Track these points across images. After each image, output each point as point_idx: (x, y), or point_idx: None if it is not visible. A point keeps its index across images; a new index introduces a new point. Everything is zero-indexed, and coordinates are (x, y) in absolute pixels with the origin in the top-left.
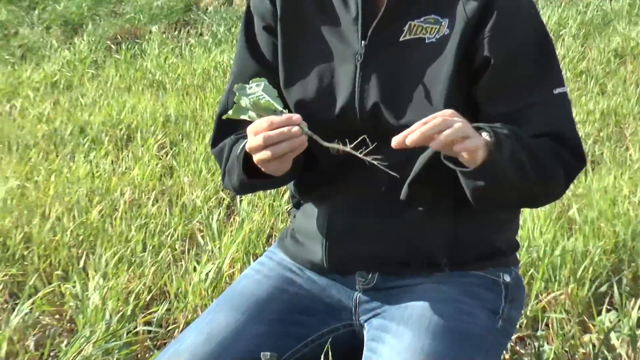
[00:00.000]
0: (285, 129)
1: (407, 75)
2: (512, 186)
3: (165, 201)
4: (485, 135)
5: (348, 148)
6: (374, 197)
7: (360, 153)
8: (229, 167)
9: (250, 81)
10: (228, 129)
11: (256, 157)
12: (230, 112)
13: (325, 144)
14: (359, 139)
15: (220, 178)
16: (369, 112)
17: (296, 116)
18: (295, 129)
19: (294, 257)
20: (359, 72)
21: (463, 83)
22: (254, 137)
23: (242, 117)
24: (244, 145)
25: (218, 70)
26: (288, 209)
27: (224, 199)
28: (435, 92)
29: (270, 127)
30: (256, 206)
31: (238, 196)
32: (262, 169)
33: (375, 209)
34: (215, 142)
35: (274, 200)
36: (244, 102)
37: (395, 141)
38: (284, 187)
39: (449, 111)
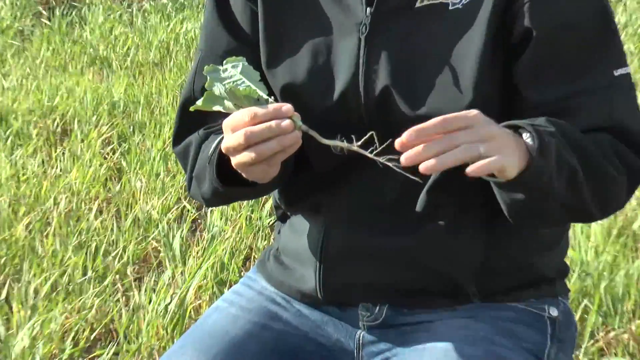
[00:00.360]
0: (273, 123)
1: (426, 52)
2: (559, 198)
3: (112, 213)
4: (526, 137)
5: (355, 147)
6: (382, 209)
7: (371, 152)
8: (197, 171)
9: (225, 61)
10: (195, 121)
11: (235, 160)
12: (199, 102)
13: (325, 141)
14: (367, 135)
15: (185, 184)
16: (377, 99)
17: (287, 106)
18: (286, 122)
19: (278, 285)
20: (363, 47)
21: (498, 63)
22: (232, 135)
23: (215, 108)
24: (219, 144)
25: (180, 44)
26: (271, 223)
27: (188, 211)
28: (462, 73)
29: (254, 121)
30: (230, 219)
31: (207, 207)
32: (243, 175)
33: (384, 223)
34: (178, 138)
35: (252, 212)
36: (217, 89)
37: (397, 143)
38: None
39: (473, 112)
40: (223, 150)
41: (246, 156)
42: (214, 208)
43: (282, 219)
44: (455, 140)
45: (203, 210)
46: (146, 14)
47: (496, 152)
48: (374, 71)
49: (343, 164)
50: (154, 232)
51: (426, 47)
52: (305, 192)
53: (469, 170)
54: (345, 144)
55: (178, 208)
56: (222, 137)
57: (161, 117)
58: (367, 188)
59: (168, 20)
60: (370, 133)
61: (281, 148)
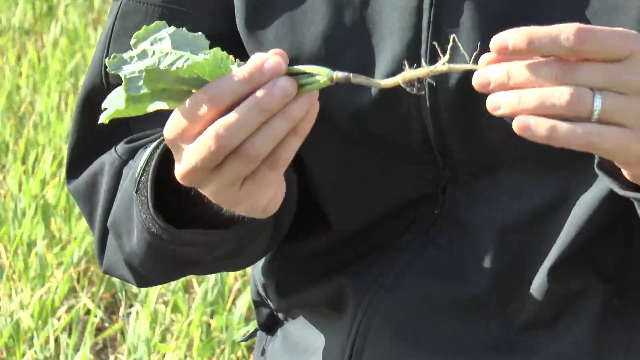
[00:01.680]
0: (260, 92)
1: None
2: None
3: None
4: None
5: (441, 66)
6: (460, 304)
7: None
8: (116, 214)
9: (133, 37)
10: (108, 131)
11: (211, 185)
12: (112, 106)
13: (386, 82)
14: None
15: (94, 248)
16: (455, 89)
17: (275, 56)
18: (285, 82)
19: None
20: None
21: None
22: (190, 147)
23: (150, 108)
24: (153, 152)
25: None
26: (247, 337)
27: (89, 312)
28: (621, 8)
29: (221, 105)
30: (169, 329)
31: (139, 286)
32: (222, 206)
33: (462, 333)
34: (76, 164)
35: (212, 314)
36: (143, 80)
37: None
38: (231, 275)
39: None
40: (180, 179)
41: (228, 170)
42: (144, 300)
43: (270, 327)
44: (589, 79)
45: (120, 311)
46: None
47: None
48: (449, 38)
49: (385, 217)
50: (24, 353)
51: None
52: (315, 273)
53: (600, 144)
54: (424, 71)
55: (72, 307)
56: (160, 143)
57: (39, 133)
58: (430, 263)
59: None
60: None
61: (293, 123)
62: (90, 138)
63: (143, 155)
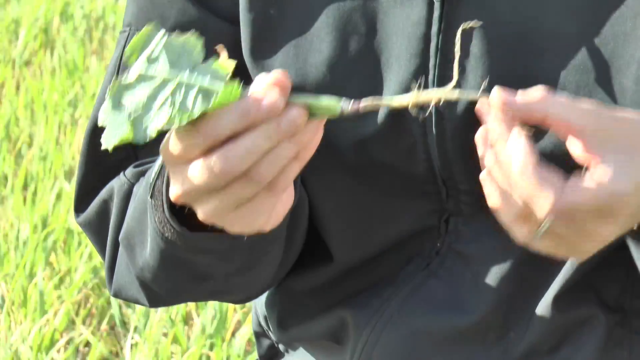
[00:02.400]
0: (282, 117)
1: (555, 30)
2: None
3: None
4: None
5: (451, 92)
6: (463, 337)
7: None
8: (128, 229)
9: (126, 50)
10: (115, 160)
11: (207, 207)
12: (115, 134)
13: (398, 99)
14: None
15: (104, 274)
16: (463, 118)
17: (274, 92)
18: (295, 114)
19: None
20: (438, 20)
21: None
22: (190, 169)
23: (150, 132)
24: (159, 174)
25: (72, 22)
26: None
27: (88, 343)
28: (620, 73)
29: (227, 129)
30: None
31: (151, 306)
32: (219, 225)
33: (466, 355)
34: (84, 196)
35: (211, 347)
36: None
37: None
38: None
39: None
40: (175, 199)
41: (236, 191)
42: (143, 332)
43: (271, 358)
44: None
45: (120, 343)
46: None
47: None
48: (459, 64)
49: (387, 250)
50: None
51: (558, 20)
52: (317, 306)
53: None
54: (435, 93)
55: (72, 340)
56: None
57: (37, 164)
58: (430, 294)
59: None
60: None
61: (297, 150)
62: (99, 171)
63: (157, 161)
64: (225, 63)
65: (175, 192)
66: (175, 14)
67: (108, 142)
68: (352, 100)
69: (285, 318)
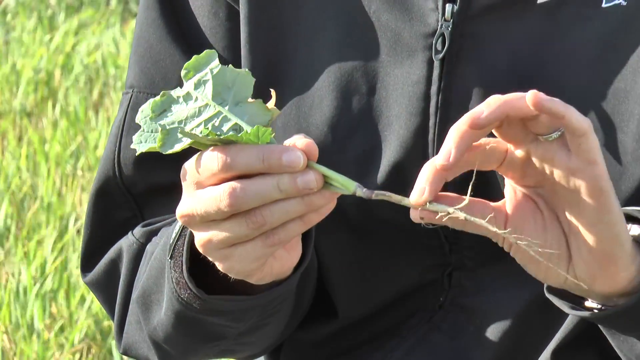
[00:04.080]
0: (285, 178)
1: (559, 86)
2: None
3: None
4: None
5: (460, 213)
6: None
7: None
8: (144, 289)
9: (186, 66)
10: (122, 216)
11: (208, 235)
12: (142, 142)
13: (409, 201)
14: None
15: (114, 330)
16: (465, 178)
17: (297, 152)
18: (311, 177)
19: None
20: (438, 79)
21: None
22: (203, 191)
23: (177, 146)
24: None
25: (74, 74)
26: None
27: None
28: (623, 125)
29: (245, 168)
30: None
31: None
32: (219, 267)
33: None
34: (91, 255)
35: None
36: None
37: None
38: None
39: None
40: (179, 217)
41: (234, 226)
42: None
43: None
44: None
45: None
46: (8, 18)
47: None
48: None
49: (391, 304)
50: None
51: (558, 78)
52: (320, 356)
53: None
54: (443, 208)
55: None
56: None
57: (40, 216)
58: (433, 347)
59: (50, 30)
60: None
61: (306, 210)
62: (105, 230)
63: (178, 222)
64: (271, 107)
65: (180, 209)
66: (179, 75)
67: (138, 146)
68: (366, 188)
69: None
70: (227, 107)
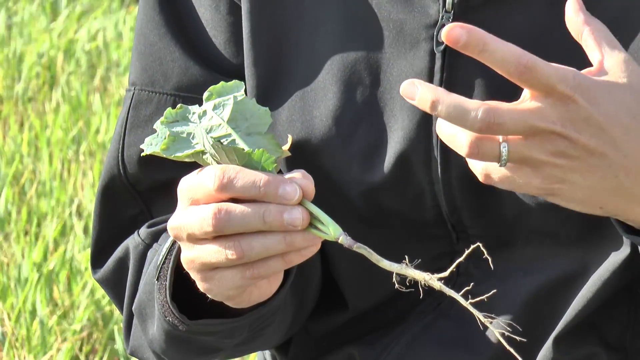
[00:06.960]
0: (271, 208)
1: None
2: None
3: None
4: None
5: (435, 281)
6: None
7: (465, 297)
8: (140, 300)
9: (211, 89)
10: (129, 214)
11: (192, 254)
12: (152, 144)
13: (385, 263)
14: (461, 258)
15: (122, 327)
16: (469, 171)
17: (293, 186)
18: (298, 215)
19: None
20: (439, 70)
21: None
22: (193, 209)
23: (179, 154)
24: (176, 244)
25: (76, 59)
26: None
27: None
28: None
29: (236, 193)
30: None
31: None
32: (201, 284)
33: None
34: (100, 252)
35: None
36: (193, 130)
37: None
38: None
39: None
40: (169, 229)
41: (215, 252)
42: None
43: None
44: None
45: None
46: (10, 3)
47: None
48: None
49: (399, 293)
50: None
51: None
52: (328, 346)
53: None
54: (417, 273)
55: None
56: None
57: (41, 201)
58: (439, 333)
59: (53, 16)
60: (474, 246)
61: (287, 249)
62: (113, 227)
63: (166, 243)
64: (283, 147)
65: (170, 221)
66: (178, 72)
67: (146, 147)
68: (350, 238)
69: (297, 355)
70: (239, 134)
